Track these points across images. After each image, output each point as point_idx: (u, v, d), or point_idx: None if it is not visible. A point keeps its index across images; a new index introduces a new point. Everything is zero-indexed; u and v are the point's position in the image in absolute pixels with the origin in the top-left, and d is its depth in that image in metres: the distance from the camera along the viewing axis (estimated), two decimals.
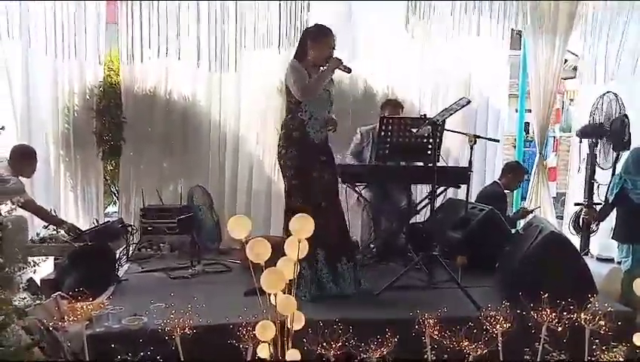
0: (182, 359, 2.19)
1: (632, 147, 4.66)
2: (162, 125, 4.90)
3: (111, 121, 4.80)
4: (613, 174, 4.78)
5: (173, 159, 4.95)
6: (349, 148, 4.54)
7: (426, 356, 2.37)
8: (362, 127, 4.54)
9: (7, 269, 2.28)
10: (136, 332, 2.66)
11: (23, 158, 4.01)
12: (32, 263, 2.79)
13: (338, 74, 3.45)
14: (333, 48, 3.29)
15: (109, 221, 4.58)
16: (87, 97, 4.78)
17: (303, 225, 2.27)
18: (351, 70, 3.33)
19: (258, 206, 5.04)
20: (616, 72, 5.25)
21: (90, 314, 2.28)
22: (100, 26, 4.71)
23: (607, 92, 4.84)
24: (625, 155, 4.45)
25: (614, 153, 4.75)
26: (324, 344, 2.22)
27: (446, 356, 2.40)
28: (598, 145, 4.80)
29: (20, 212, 3.84)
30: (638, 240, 3.97)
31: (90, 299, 2.64)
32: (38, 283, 3.51)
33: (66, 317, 2.33)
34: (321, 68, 3.28)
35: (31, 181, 4.62)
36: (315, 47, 3.26)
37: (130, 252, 4.34)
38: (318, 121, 3.29)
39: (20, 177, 4.00)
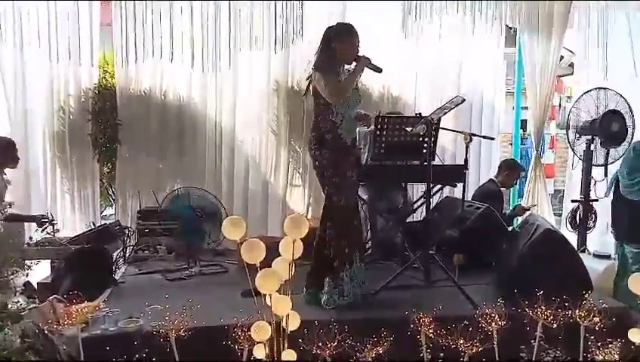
0: (177, 360, 2.19)
1: (625, 143, 4.69)
2: (158, 127, 4.88)
3: (106, 123, 4.79)
4: (605, 171, 4.81)
5: (169, 161, 4.93)
6: None
7: (421, 354, 2.37)
8: (359, 128, 4.51)
9: (2, 272, 2.28)
10: (133, 334, 2.66)
11: (4, 150, 3.98)
12: (27, 266, 2.80)
13: None
14: (359, 46, 3.22)
15: (105, 223, 4.57)
16: (82, 99, 4.77)
17: (298, 226, 2.28)
18: (381, 70, 3.26)
19: (254, 207, 5.04)
20: (611, 70, 5.29)
21: (86, 317, 2.27)
22: (94, 27, 4.69)
23: (593, 88, 4.88)
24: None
25: (604, 149, 4.79)
26: (320, 344, 2.23)
27: (442, 354, 2.40)
28: (594, 142, 4.82)
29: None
30: (625, 238, 3.96)
31: (87, 302, 2.65)
32: (35, 286, 3.51)
33: (61, 320, 2.33)
34: (346, 67, 3.24)
35: (26, 183, 4.64)
36: (341, 46, 3.18)
37: (127, 254, 4.34)
38: (349, 122, 3.26)
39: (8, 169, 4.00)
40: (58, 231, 4.02)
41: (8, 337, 1.98)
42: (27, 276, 2.95)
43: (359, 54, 3.20)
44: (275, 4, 4.74)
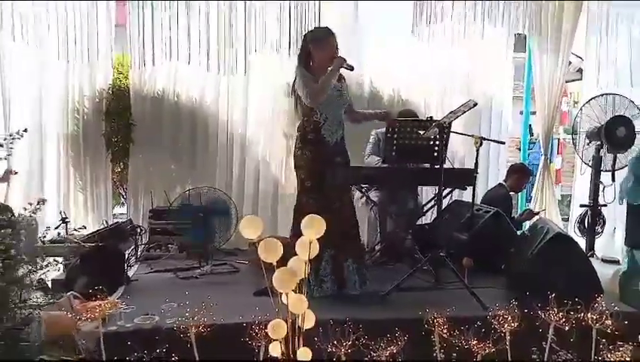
0: (197, 356, 2.23)
1: (634, 147, 4.71)
2: (170, 128, 4.95)
3: (120, 124, 4.85)
4: (613, 176, 4.83)
5: (181, 161, 4.99)
6: (367, 150, 4.53)
7: (435, 354, 2.40)
8: (377, 130, 4.52)
9: (20, 268, 2.32)
10: (149, 330, 2.70)
11: None
12: (41, 264, 2.83)
13: (345, 74, 3.45)
14: (336, 48, 3.28)
15: (118, 222, 4.63)
16: (97, 100, 4.83)
17: (315, 225, 2.31)
18: (353, 68, 3.30)
19: (265, 207, 5.08)
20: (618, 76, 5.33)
21: (105, 313, 2.31)
22: (110, 28, 4.76)
23: (600, 94, 4.91)
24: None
25: (612, 155, 4.82)
26: (335, 342, 2.26)
27: (455, 355, 2.43)
28: (603, 148, 4.85)
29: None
30: (630, 242, 3.98)
31: (102, 299, 2.69)
32: (49, 283, 3.55)
33: (81, 316, 2.37)
34: (328, 69, 3.30)
35: (41, 182, 4.70)
36: (317, 50, 3.26)
37: (139, 253, 4.39)
38: (333, 123, 3.31)
39: None
40: (77, 229, 4.03)
41: (37, 329, 2.02)
42: (43, 273, 2.99)
43: (336, 56, 3.24)
44: (290, 6, 4.78)
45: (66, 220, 4.16)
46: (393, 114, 3.56)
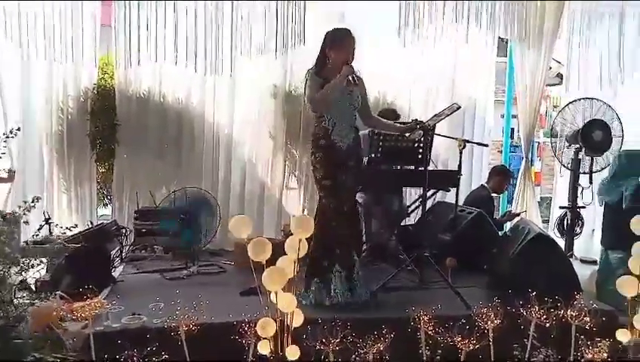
0: (187, 355, 2.25)
1: (609, 152, 4.85)
2: (156, 128, 4.93)
3: (105, 124, 4.82)
4: (590, 178, 4.97)
5: (167, 162, 4.97)
6: None
7: (420, 351, 2.46)
8: (361, 131, 4.57)
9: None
10: (137, 330, 2.71)
11: None
12: (25, 265, 2.81)
13: None
14: (353, 51, 3.22)
15: (102, 223, 4.60)
16: (82, 99, 4.80)
17: (304, 225, 2.35)
18: (357, 82, 3.23)
19: (251, 209, 5.09)
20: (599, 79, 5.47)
21: (93, 313, 2.32)
22: (95, 28, 4.73)
23: (579, 98, 5.06)
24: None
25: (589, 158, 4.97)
26: (323, 340, 2.30)
27: (440, 352, 2.49)
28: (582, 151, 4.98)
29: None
30: (605, 243, 4.10)
31: (88, 300, 2.69)
32: (32, 284, 3.52)
33: (68, 316, 2.37)
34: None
35: (24, 182, 4.65)
36: (332, 50, 3.22)
37: (124, 253, 4.37)
38: (344, 127, 3.26)
39: None
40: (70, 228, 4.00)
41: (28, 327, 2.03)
42: (26, 273, 2.97)
43: (350, 60, 3.19)
44: (277, 7, 4.80)
45: (49, 221, 4.12)
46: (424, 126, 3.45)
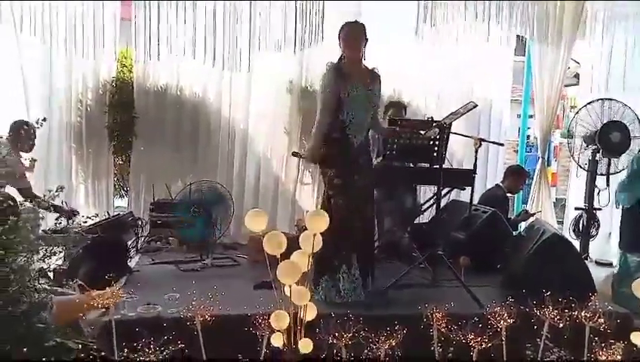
0: (202, 345, 2.28)
1: (626, 153, 4.80)
2: (173, 122, 4.99)
3: (123, 117, 4.89)
4: (607, 180, 4.92)
5: (183, 155, 5.03)
6: None
7: (432, 348, 2.46)
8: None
9: (24, 256, 2.35)
10: (152, 319, 2.76)
11: (21, 133, 4.07)
12: (48, 252, 2.87)
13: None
14: (358, 45, 3.21)
15: (119, 214, 4.67)
16: (100, 92, 4.87)
17: (319, 220, 2.37)
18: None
19: (265, 203, 5.13)
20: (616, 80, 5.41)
21: (113, 302, 2.36)
22: (116, 22, 4.79)
23: (597, 99, 5.00)
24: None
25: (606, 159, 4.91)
26: (336, 334, 2.32)
27: (451, 349, 2.50)
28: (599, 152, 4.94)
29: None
30: (623, 246, 4.06)
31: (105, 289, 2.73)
32: (50, 273, 3.59)
33: (89, 304, 2.41)
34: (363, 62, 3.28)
35: (43, 173, 4.73)
36: (342, 46, 3.26)
37: (140, 245, 4.43)
38: (359, 124, 3.24)
39: (22, 153, 4.09)
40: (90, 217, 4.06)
41: (50, 314, 2.08)
42: (49, 260, 3.03)
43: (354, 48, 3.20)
44: (296, 4, 4.82)
45: (75, 213, 4.19)
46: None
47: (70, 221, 4.01)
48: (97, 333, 2.49)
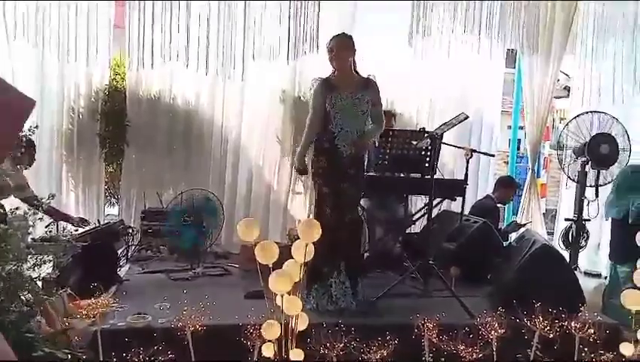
0: (192, 354, 2.27)
1: (615, 165, 4.86)
2: (165, 130, 4.98)
3: (115, 124, 4.87)
4: (596, 192, 4.97)
5: (175, 163, 5.02)
6: None
7: (423, 358, 2.47)
8: None
9: (14, 265, 2.33)
10: (142, 329, 2.73)
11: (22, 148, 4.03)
12: (38, 261, 2.84)
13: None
14: (345, 56, 3.25)
15: (109, 222, 4.63)
16: (92, 100, 4.85)
17: (311, 229, 2.37)
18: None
19: (257, 212, 5.12)
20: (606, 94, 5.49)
21: (101, 311, 2.34)
22: (109, 29, 4.78)
23: (586, 112, 5.07)
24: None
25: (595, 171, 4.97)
26: (327, 344, 2.32)
27: (442, 360, 2.50)
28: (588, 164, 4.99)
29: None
30: (613, 257, 4.09)
31: (94, 298, 2.71)
32: (39, 281, 3.55)
33: (75, 314, 2.39)
34: (354, 72, 3.33)
35: (33, 180, 4.68)
36: (329, 56, 3.31)
37: (130, 253, 4.40)
38: (349, 134, 3.26)
39: (21, 167, 4.05)
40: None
41: (37, 322, 2.05)
42: (39, 269, 2.99)
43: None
44: (289, 13, 4.84)
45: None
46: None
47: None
48: (85, 343, 2.46)
